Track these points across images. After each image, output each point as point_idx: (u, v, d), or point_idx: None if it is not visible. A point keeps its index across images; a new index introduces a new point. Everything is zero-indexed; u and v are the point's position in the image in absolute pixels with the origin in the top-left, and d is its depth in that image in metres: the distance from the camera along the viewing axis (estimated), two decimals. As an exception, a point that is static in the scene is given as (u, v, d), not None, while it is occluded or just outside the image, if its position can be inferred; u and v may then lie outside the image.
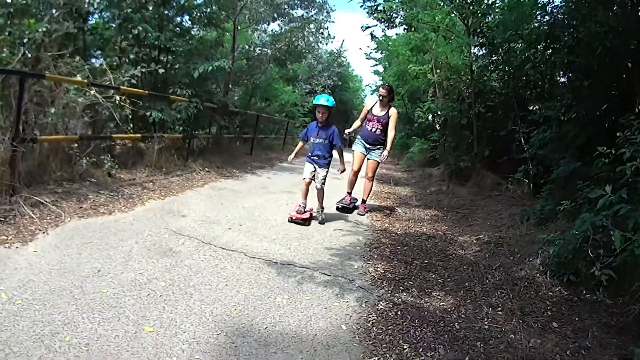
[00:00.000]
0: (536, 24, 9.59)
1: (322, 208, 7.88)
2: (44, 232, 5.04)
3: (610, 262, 4.02)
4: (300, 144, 8.17)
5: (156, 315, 3.51)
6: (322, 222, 7.66)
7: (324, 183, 7.70)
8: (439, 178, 14.70)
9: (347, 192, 9.17)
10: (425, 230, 7.95)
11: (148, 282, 4.08)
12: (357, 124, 9.26)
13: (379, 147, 8.88)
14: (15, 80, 6.24)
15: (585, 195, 5.21)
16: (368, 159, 8.96)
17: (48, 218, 5.47)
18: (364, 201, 9.23)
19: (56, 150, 7.04)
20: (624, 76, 6.28)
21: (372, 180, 9.20)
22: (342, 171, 7.82)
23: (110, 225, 5.67)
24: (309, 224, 7.32)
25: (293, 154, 8.10)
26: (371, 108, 9.02)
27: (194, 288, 4.14)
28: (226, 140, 15.18)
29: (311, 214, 7.58)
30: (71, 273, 4.06)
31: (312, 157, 7.65)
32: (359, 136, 9.23)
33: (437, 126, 16.21)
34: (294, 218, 7.31)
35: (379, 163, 9.00)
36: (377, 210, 9.51)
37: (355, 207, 9.12)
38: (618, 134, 5.10)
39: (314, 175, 7.65)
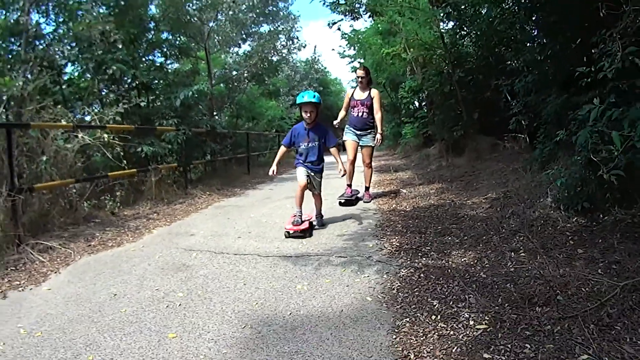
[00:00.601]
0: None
1: (321, 215, 7.14)
2: (55, 272, 5.02)
3: (617, 163, 3.95)
4: (281, 150, 7.11)
5: (178, 322, 3.48)
6: (323, 225, 6.99)
7: (320, 188, 7.03)
8: (437, 155, 14.75)
9: (347, 185, 8.84)
10: (433, 202, 7.99)
11: (166, 296, 4.05)
12: (342, 114, 8.99)
13: (369, 131, 8.66)
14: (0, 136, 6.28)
15: (578, 119, 5.14)
16: (362, 145, 8.72)
17: (58, 259, 5.46)
18: (367, 188, 9.04)
19: (56, 197, 7.10)
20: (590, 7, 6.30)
21: (371, 166, 8.95)
22: (344, 174, 6.83)
23: (120, 255, 5.66)
24: (310, 235, 6.38)
25: (274, 166, 6.80)
26: (352, 94, 8.84)
27: (213, 292, 4.11)
28: (221, 163, 15.28)
29: (310, 223, 6.75)
30: (88, 301, 4.03)
31: (305, 163, 6.81)
32: (347, 125, 8.91)
33: (423, 105, 16.25)
34: (291, 232, 6.35)
35: (373, 147, 8.78)
36: (382, 195, 9.48)
37: (359, 199, 8.88)
38: (593, 50, 5.05)
39: (310, 180, 6.82)
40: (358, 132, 8.66)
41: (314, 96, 6.63)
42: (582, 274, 3.63)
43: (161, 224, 7.63)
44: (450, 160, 12.56)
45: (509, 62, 9.42)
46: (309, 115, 6.72)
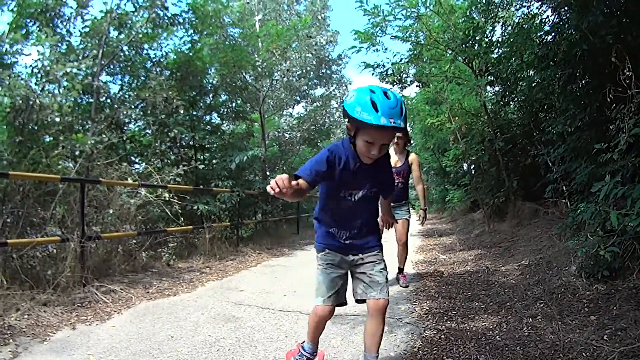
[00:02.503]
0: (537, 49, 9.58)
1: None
2: (118, 313, 5.69)
3: (614, 240, 4.36)
4: (299, 185, 2.92)
5: (227, 364, 3.99)
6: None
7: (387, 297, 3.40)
8: (481, 220, 14.86)
9: (399, 268, 7.52)
10: (469, 268, 8.21)
11: (217, 342, 4.58)
12: None
13: (403, 202, 7.39)
14: (74, 188, 7.19)
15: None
16: (397, 218, 6.91)
17: (120, 302, 6.13)
18: (401, 270, 7.52)
19: (117, 246, 7.82)
20: (607, 71, 6.57)
21: (406, 245, 7.45)
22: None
23: (176, 303, 6.25)
24: None
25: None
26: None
27: (258, 342, 4.60)
28: (272, 224, 15.72)
29: None
30: (148, 340, 4.63)
31: (343, 241, 3.42)
32: None
33: (472, 170, 16.57)
34: None
35: (409, 221, 7.49)
36: (422, 262, 9.65)
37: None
38: (611, 126, 5.48)
39: (341, 296, 3.52)
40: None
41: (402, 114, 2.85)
42: (588, 340, 3.96)
43: (213, 278, 8.18)
44: (493, 226, 12.72)
45: (549, 129, 9.20)
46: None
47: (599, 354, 3.69)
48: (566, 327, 4.41)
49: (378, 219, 3.62)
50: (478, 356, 4.00)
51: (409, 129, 7.32)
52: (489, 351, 4.08)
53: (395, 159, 7.23)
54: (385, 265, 3.45)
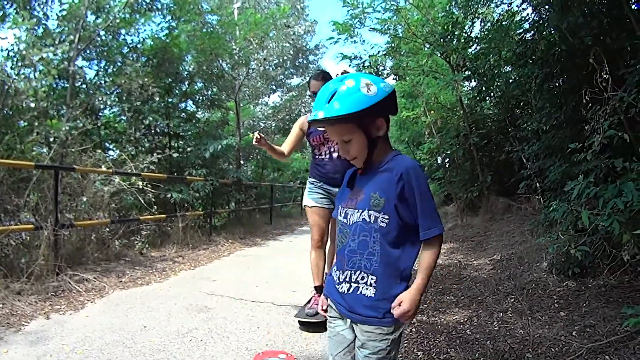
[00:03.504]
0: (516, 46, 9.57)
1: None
2: (91, 302, 5.66)
3: (585, 240, 4.45)
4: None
5: (199, 354, 4.01)
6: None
7: None
8: (454, 214, 15.00)
9: (315, 287, 5.05)
10: (441, 262, 8.17)
11: (189, 332, 4.59)
12: (284, 148, 5.20)
13: None
14: (48, 175, 7.06)
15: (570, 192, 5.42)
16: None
17: (93, 291, 6.09)
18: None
19: (90, 234, 7.73)
20: (584, 72, 6.62)
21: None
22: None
23: (149, 293, 6.23)
24: None
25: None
26: (309, 125, 4.20)
27: (230, 332, 4.63)
28: (245, 213, 15.68)
29: None
30: (121, 330, 4.61)
31: (337, 285, 2.31)
32: (312, 177, 5.18)
33: (446, 164, 16.68)
34: None
35: None
36: None
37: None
38: (586, 127, 5.55)
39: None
40: (333, 190, 4.98)
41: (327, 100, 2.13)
42: (556, 336, 4.05)
43: (186, 267, 8.18)
44: (466, 220, 12.83)
45: (525, 126, 9.33)
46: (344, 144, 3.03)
47: (568, 350, 3.77)
48: (536, 323, 4.49)
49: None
50: (448, 349, 4.06)
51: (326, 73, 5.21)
52: (459, 345, 4.15)
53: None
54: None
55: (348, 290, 2.22)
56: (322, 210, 5.01)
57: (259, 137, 4.45)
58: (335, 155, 4.92)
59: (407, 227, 2.15)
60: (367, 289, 2.17)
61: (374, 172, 2.23)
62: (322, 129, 3.88)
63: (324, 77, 4.93)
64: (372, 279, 2.16)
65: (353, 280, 2.21)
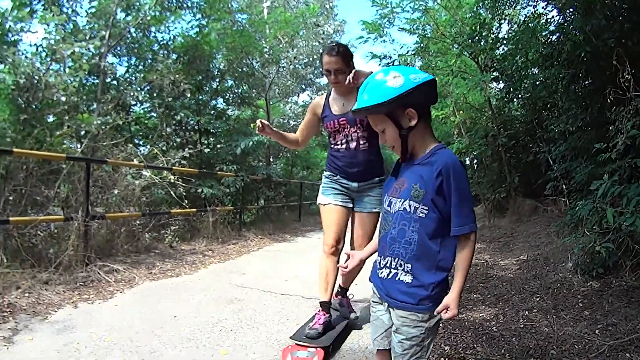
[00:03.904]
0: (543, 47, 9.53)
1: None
2: (121, 292, 5.79)
3: (609, 237, 4.45)
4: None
5: (229, 343, 4.10)
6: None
7: None
8: (482, 215, 14.88)
9: (321, 306, 4.36)
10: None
11: (219, 322, 4.68)
12: (297, 135, 4.70)
13: (375, 181, 4.36)
14: (78, 168, 7.24)
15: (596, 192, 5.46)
16: (358, 212, 4.44)
17: (122, 282, 6.22)
18: (345, 292, 4.92)
19: (121, 227, 7.87)
20: (608, 74, 6.58)
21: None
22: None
23: (179, 285, 6.35)
24: None
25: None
26: (325, 104, 4.41)
27: (260, 323, 4.71)
28: (275, 209, 15.79)
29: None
30: (151, 319, 4.72)
31: (384, 279, 2.36)
32: (327, 172, 4.54)
33: (474, 165, 16.59)
34: None
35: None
36: None
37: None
38: (611, 127, 5.54)
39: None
40: (352, 185, 4.35)
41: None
42: (580, 333, 4.08)
43: (216, 261, 8.29)
44: (493, 221, 12.76)
45: (551, 127, 9.21)
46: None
47: (590, 347, 3.80)
48: (560, 321, 4.51)
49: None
50: (475, 345, 4.08)
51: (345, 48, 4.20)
52: (485, 341, 4.16)
53: (340, 103, 4.32)
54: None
55: (387, 275, 2.31)
56: (339, 209, 4.38)
57: (261, 124, 4.04)
58: (353, 145, 4.21)
59: (446, 220, 2.19)
60: (404, 275, 2.24)
61: (416, 164, 2.28)
62: (338, 115, 4.19)
63: (341, 51, 4.09)
64: (407, 266, 2.23)
65: (392, 266, 2.29)
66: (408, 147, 2.30)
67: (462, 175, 2.18)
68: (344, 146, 4.26)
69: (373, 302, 2.49)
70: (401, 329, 2.25)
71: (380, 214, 2.52)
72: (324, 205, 4.45)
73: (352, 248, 4.39)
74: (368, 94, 2.21)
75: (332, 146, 4.40)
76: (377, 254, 2.49)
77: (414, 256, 2.22)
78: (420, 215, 2.20)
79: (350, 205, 4.44)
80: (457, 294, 2.15)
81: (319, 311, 4.31)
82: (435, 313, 2.18)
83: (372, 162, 4.29)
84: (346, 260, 2.82)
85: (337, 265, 4.29)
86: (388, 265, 2.31)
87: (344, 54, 4.10)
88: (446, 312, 2.13)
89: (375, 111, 2.23)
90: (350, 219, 4.51)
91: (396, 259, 2.27)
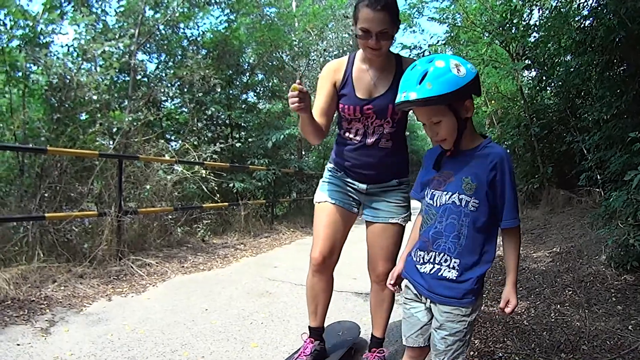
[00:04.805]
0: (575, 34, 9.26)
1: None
2: (153, 285, 5.90)
3: None
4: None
5: (259, 336, 4.16)
6: None
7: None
8: (515, 206, 14.80)
9: (310, 332, 3.72)
10: (499, 253, 7.92)
11: (250, 315, 4.75)
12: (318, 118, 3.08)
13: (393, 183, 3.30)
14: (111, 164, 7.43)
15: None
16: (371, 222, 3.42)
17: (155, 275, 6.33)
18: (379, 341, 3.71)
19: (153, 222, 8.02)
20: None
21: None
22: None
23: (211, 278, 6.44)
24: None
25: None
26: (344, 80, 3.13)
27: (291, 316, 4.77)
28: (307, 203, 15.80)
29: None
30: (183, 312, 4.81)
31: (425, 274, 2.29)
32: (330, 165, 3.47)
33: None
34: None
35: (403, 230, 3.36)
36: None
37: None
38: None
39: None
40: (360, 186, 3.33)
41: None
42: (612, 329, 4.03)
43: (247, 254, 8.37)
44: (526, 212, 12.57)
45: (585, 116, 9.08)
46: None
47: (623, 343, 3.74)
48: (593, 315, 4.45)
49: None
50: (505, 339, 4.07)
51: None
52: (515, 335, 4.14)
53: (367, 80, 3.11)
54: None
55: (430, 270, 2.26)
56: (336, 210, 3.38)
57: (299, 84, 2.64)
58: (371, 140, 3.11)
59: (494, 214, 2.20)
60: (449, 271, 2.20)
61: (465, 156, 2.25)
62: (364, 100, 3.02)
63: (389, 2, 2.75)
64: (455, 262, 2.19)
65: (437, 262, 2.24)
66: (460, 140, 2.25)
67: (512, 169, 2.20)
68: (358, 137, 3.16)
69: (406, 298, 2.43)
70: (445, 325, 2.22)
71: (422, 207, 2.40)
72: (319, 203, 3.45)
73: (368, 269, 3.66)
74: (432, 82, 2.07)
75: (342, 133, 3.26)
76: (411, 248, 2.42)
77: (462, 250, 2.19)
78: (472, 209, 2.17)
79: (355, 209, 3.45)
80: (512, 285, 2.19)
81: (307, 340, 3.61)
82: (498, 309, 2.24)
83: (390, 164, 3.24)
84: (394, 284, 2.56)
85: (331, 282, 3.78)
86: (432, 260, 2.25)
87: (392, 9, 2.82)
88: (507, 306, 2.17)
89: (439, 102, 2.10)
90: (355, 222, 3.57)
91: (442, 254, 2.22)
